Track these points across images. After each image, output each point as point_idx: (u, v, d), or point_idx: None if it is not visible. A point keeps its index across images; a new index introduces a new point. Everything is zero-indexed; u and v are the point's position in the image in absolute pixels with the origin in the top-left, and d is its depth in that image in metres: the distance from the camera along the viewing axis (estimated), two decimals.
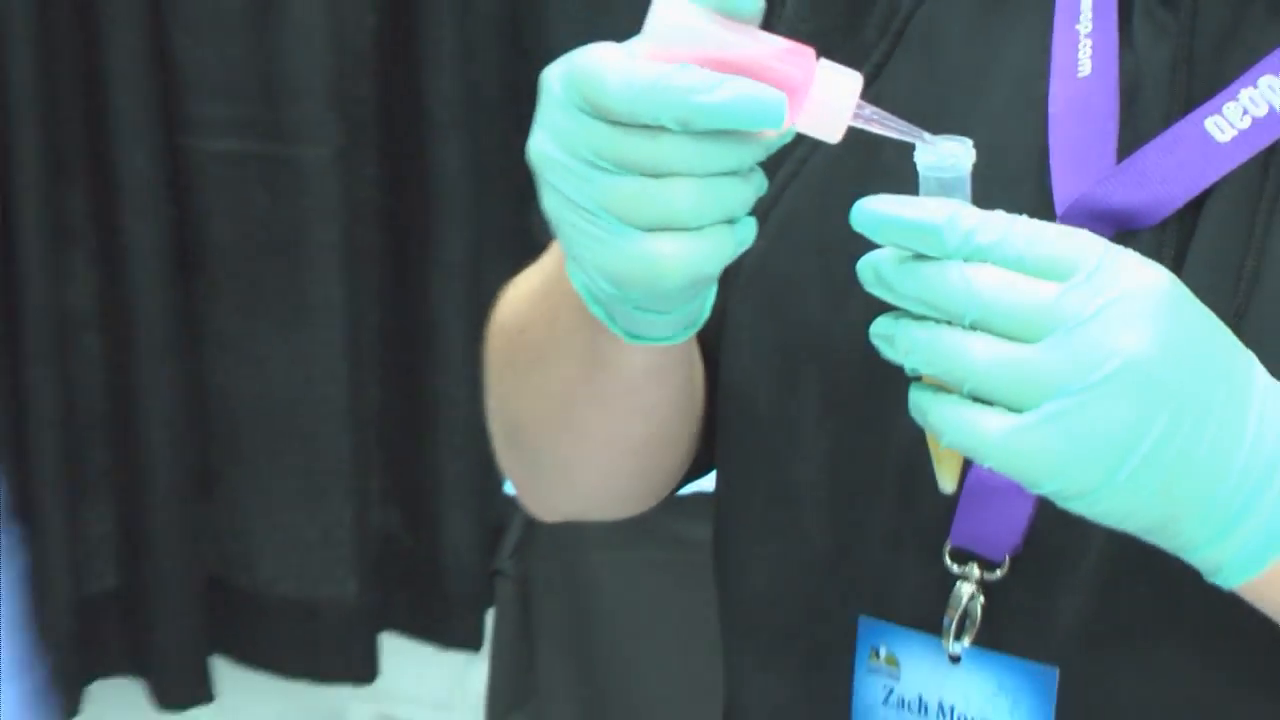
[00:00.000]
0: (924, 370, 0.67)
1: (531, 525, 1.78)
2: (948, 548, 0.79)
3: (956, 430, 0.65)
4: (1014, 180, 0.80)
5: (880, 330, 0.68)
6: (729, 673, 0.94)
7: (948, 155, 0.67)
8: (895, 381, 0.73)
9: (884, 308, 0.68)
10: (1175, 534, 0.66)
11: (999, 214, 0.66)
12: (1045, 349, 0.62)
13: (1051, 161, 0.80)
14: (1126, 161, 0.78)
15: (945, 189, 0.67)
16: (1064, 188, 0.78)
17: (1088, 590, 0.78)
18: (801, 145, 0.75)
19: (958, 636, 0.79)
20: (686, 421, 0.92)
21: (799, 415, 0.87)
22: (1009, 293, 0.63)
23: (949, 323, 0.65)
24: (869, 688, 0.84)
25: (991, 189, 0.71)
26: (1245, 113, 0.77)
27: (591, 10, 1.91)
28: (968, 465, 0.72)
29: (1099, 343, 0.63)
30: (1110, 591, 0.77)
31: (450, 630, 1.95)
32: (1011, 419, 0.63)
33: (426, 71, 2.00)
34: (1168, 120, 0.78)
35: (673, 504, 0.99)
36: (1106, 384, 0.62)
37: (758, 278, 0.86)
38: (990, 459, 0.64)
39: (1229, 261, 0.76)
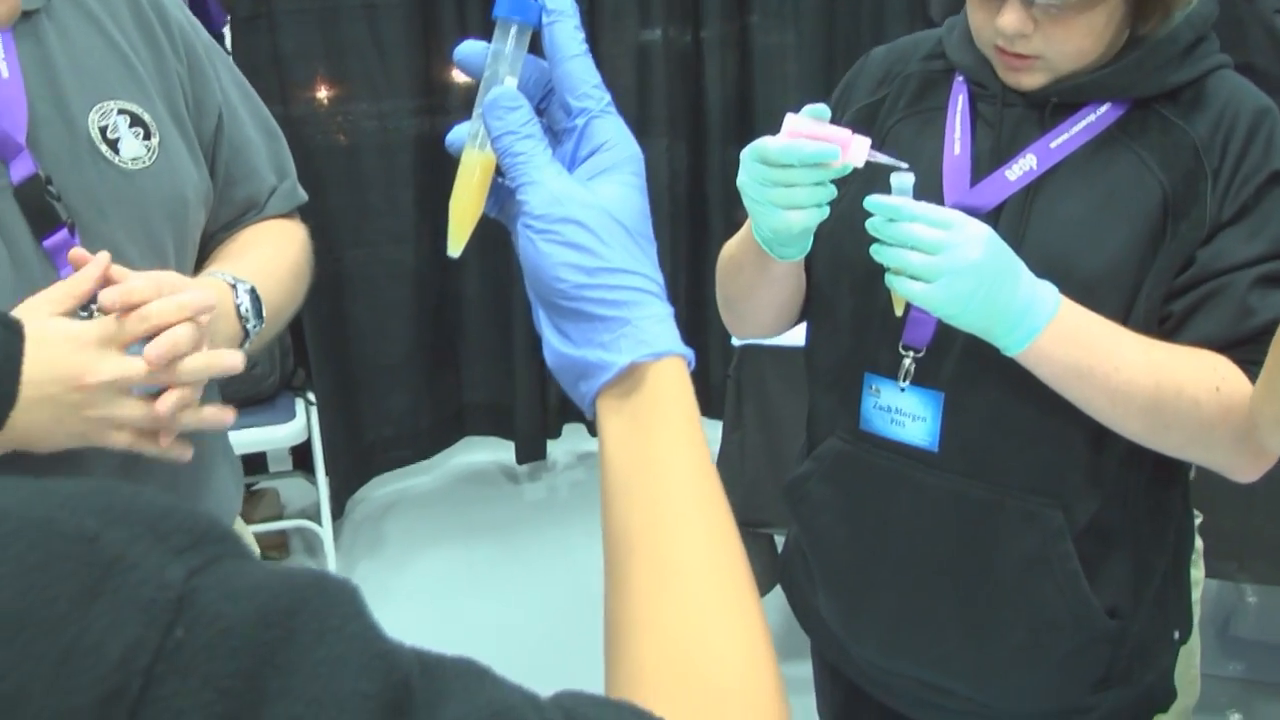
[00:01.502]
0: (893, 266, 1.21)
1: (741, 358, 2.76)
2: (901, 343, 1.36)
3: (905, 291, 1.20)
4: (931, 191, 1.33)
5: (876, 251, 1.22)
6: (811, 398, 1.55)
7: (905, 176, 1.20)
8: (879, 275, 1.26)
9: (876, 242, 1.22)
10: (990, 334, 1.22)
11: (923, 203, 1.20)
12: (940, 258, 1.17)
13: (944, 187, 1.34)
14: (975, 188, 1.32)
15: (903, 192, 1.20)
16: (950, 198, 1.33)
17: (954, 360, 1.33)
18: (846, 179, 1.24)
19: (903, 380, 1.37)
20: (797, 295, 1.48)
21: (839, 291, 1.44)
22: (926, 234, 1.18)
23: (904, 247, 1.19)
24: (867, 401, 1.42)
25: (921, 196, 1.23)
26: (1020, 167, 1.31)
27: None
28: (909, 306, 1.28)
29: (961, 254, 1.17)
30: (964, 360, 1.31)
31: (709, 407, 3.48)
32: (927, 286, 1.18)
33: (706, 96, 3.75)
34: (990, 170, 1.32)
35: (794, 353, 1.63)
36: (964, 271, 1.17)
37: (827, 232, 1.33)
38: (918, 302, 1.21)
39: (1013, 230, 1.29)
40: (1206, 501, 2.16)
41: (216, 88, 1.39)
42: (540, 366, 3.71)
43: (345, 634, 0.44)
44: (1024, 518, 1.35)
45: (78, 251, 1.16)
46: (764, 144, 1.19)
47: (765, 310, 1.50)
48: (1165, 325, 1.30)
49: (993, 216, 1.30)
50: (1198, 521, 2.22)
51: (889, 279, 1.22)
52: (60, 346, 1.09)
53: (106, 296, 1.10)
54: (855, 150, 1.18)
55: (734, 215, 3.60)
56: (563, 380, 0.70)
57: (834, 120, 1.25)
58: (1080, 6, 1.24)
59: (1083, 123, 1.31)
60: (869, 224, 1.22)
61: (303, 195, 1.52)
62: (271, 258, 1.40)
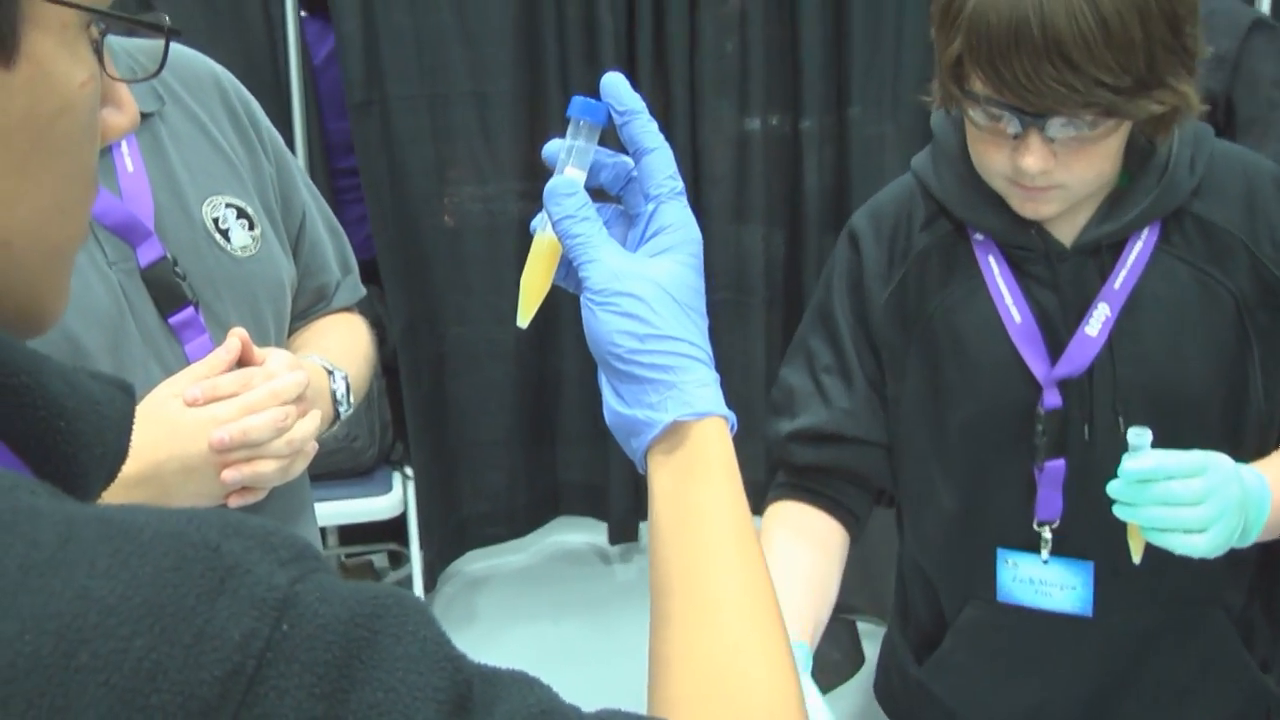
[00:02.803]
0: (1162, 528, 1.19)
1: None
2: (1035, 520, 1.36)
3: (1182, 548, 1.20)
4: (1010, 368, 1.34)
5: (1129, 514, 1.20)
6: (922, 571, 1.50)
7: (1143, 433, 1.19)
8: (978, 465, 1.36)
9: (984, 437, 1.35)
10: (1246, 542, 1.25)
11: (1174, 455, 1.18)
12: (1208, 506, 1.19)
13: (1026, 359, 1.33)
14: (1065, 357, 1.31)
15: (1142, 448, 1.19)
16: (1038, 371, 1.33)
17: (1093, 526, 1.32)
18: (903, 376, 1.38)
19: (1045, 554, 1.37)
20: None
21: (929, 485, 1.44)
22: (1190, 488, 1.18)
23: (1163, 505, 1.18)
24: (1004, 573, 1.41)
25: (1000, 372, 1.32)
26: (1097, 319, 1.31)
27: None
28: (1108, 534, 1.26)
29: (1226, 495, 1.19)
30: (1105, 523, 1.26)
31: None
32: (1203, 535, 1.19)
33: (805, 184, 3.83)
34: (1068, 330, 1.32)
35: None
36: (1233, 510, 1.20)
37: (898, 437, 1.42)
38: (1197, 554, 1.20)
39: (1108, 382, 1.32)
40: None
41: (301, 186, 1.52)
42: None
43: (419, 637, 0.53)
44: (1189, 630, 1.38)
45: (239, 331, 1.29)
46: None
47: None
48: None
49: (1088, 379, 1.33)
50: None
51: (1147, 534, 1.23)
52: (159, 426, 1.20)
53: (190, 394, 1.22)
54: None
55: None
56: (618, 436, 0.78)
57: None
58: (1102, 135, 1.24)
59: (1133, 254, 1.32)
60: (1113, 489, 1.21)
61: (362, 290, 1.65)
62: (349, 348, 1.53)
